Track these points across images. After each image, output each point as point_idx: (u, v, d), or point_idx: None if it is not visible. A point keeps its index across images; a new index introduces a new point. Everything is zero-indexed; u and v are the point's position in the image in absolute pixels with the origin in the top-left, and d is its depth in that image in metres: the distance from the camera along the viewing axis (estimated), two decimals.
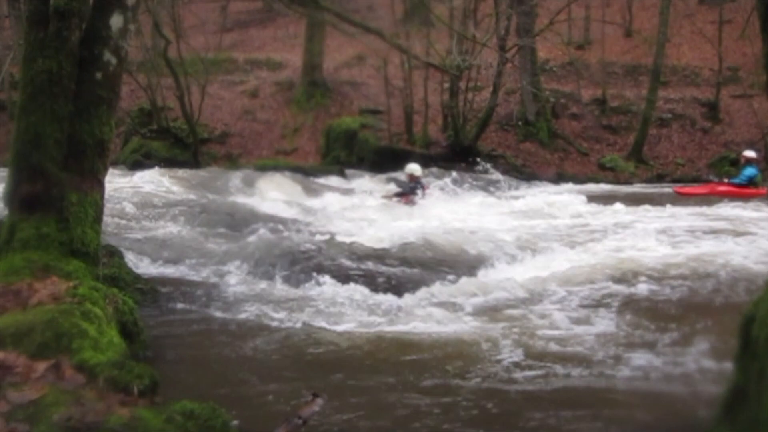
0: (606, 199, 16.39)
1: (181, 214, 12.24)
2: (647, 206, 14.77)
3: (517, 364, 5.54)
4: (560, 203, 15.53)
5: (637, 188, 22.38)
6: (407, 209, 15.13)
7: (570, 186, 22.73)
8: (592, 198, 16.75)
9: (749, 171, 19.24)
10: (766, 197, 17.21)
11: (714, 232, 11.44)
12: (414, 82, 26.39)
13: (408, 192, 16.56)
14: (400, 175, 17.99)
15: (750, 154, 19.98)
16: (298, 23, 33.02)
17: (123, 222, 11.29)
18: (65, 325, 4.39)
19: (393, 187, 17.65)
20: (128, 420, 3.41)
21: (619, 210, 14.52)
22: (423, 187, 16.75)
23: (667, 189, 20.54)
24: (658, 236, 10.84)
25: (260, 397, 4.72)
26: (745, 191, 18.39)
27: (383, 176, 21.02)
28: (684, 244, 10.47)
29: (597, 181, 24.74)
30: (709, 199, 16.56)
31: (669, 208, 14.42)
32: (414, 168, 17.07)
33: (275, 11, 36.46)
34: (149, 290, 7.49)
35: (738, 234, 11.19)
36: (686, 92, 29.62)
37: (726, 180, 19.58)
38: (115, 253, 7.90)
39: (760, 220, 12.45)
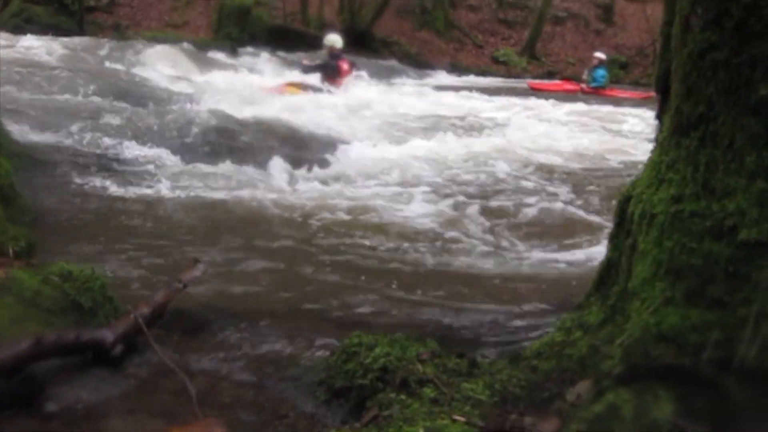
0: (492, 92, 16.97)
1: (66, 83, 11.71)
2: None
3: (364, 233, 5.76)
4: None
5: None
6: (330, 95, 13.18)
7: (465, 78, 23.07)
8: (485, 90, 17.17)
9: (600, 73, 20.13)
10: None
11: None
12: None
13: (324, 70, 14.00)
14: (304, 58, 15.73)
15: (601, 56, 20.83)
16: None
17: (1, 87, 10.77)
18: None
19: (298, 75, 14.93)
20: (3, 280, 3.31)
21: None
22: (348, 64, 14.42)
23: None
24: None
25: (141, 264, 4.67)
26: (596, 91, 19.31)
27: (276, 55, 20.64)
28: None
29: (489, 74, 25.03)
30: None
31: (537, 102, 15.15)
32: (335, 39, 14.47)
33: None
34: (28, 156, 7.21)
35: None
36: None
37: (583, 87, 20.30)
38: None
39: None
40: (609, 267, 2.63)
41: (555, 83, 21.86)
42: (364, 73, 16.07)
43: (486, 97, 15.84)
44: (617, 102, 16.90)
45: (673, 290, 2.17)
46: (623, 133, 11.97)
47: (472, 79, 22.87)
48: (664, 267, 2.21)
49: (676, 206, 2.21)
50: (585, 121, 13.18)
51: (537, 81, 22.43)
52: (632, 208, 2.43)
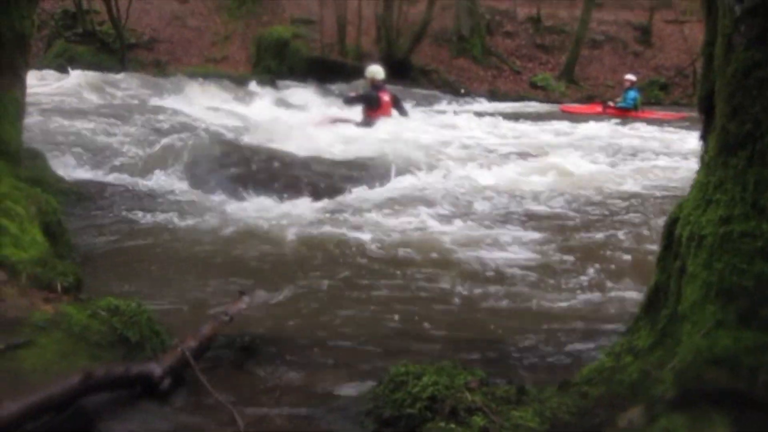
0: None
1: (107, 120, 11.94)
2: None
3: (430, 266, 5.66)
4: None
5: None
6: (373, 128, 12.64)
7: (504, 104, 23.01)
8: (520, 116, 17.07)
9: (632, 95, 20.14)
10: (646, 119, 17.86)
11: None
12: None
13: (366, 101, 13.44)
14: (348, 89, 15.78)
15: (632, 78, 20.86)
16: None
17: (47, 126, 10.97)
18: None
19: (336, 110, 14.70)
20: (52, 315, 3.36)
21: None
22: (390, 96, 13.74)
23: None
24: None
25: (187, 297, 4.71)
26: (628, 113, 19.21)
27: (315, 87, 20.80)
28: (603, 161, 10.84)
29: (528, 99, 25.01)
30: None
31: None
32: (376, 70, 13.75)
33: None
34: (74, 193, 7.33)
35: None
36: (620, 15, 29.81)
37: (611, 104, 20.31)
38: (37, 156, 7.67)
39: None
40: (657, 290, 2.59)
41: (586, 106, 21.85)
42: (411, 108, 15.68)
43: (538, 124, 15.58)
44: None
45: (724, 312, 2.14)
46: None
47: (511, 105, 22.82)
48: (714, 289, 2.18)
49: (725, 227, 2.18)
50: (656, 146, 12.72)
51: (569, 105, 22.43)
52: (680, 230, 2.40)
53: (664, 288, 2.52)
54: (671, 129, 15.04)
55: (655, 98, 25.60)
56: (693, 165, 2.54)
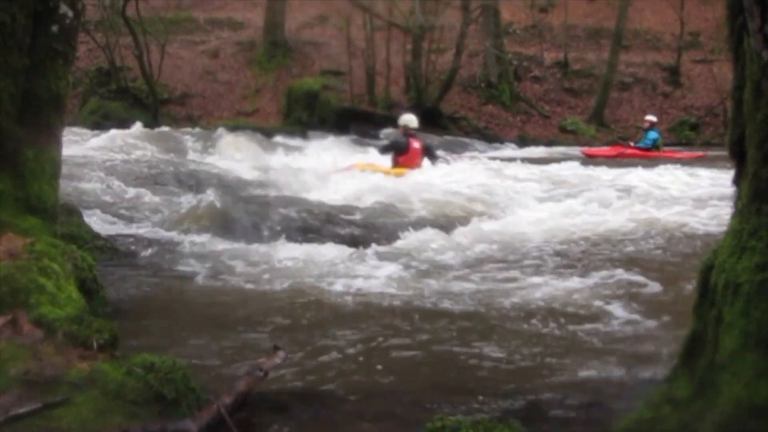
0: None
1: (142, 174, 12.12)
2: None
3: (475, 319, 5.58)
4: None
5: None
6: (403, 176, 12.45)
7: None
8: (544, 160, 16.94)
9: (652, 135, 20.31)
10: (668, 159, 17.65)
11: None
12: (376, 43, 26.25)
13: (395, 147, 13.58)
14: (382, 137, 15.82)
15: (652, 118, 21.01)
16: None
17: (82, 182, 11.13)
18: (22, 281, 4.31)
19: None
20: (88, 373, 3.38)
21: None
22: (420, 143, 13.76)
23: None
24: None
25: (221, 352, 4.71)
26: (649, 154, 19.23)
27: (346, 137, 20.95)
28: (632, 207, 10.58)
29: (558, 144, 24.98)
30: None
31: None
32: (409, 119, 13.83)
33: None
34: (108, 248, 7.40)
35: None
36: (648, 56, 29.83)
37: (632, 144, 20.46)
38: (73, 212, 7.78)
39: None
40: (695, 338, 2.55)
41: (607, 148, 21.78)
42: (445, 155, 15.52)
43: (570, 167, 15.36)
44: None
45: (764, 362, 2.10)
46: None
47: (542, 150, 22.80)
48: (753, 338, 2.14)
49: (761, 275, 2.14)
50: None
51: (590, 148, 22.34)
52: (715, 278, 2.37)
53: (702, 336, 2.48)
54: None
55: (685, 138, 25.54)
56: None
